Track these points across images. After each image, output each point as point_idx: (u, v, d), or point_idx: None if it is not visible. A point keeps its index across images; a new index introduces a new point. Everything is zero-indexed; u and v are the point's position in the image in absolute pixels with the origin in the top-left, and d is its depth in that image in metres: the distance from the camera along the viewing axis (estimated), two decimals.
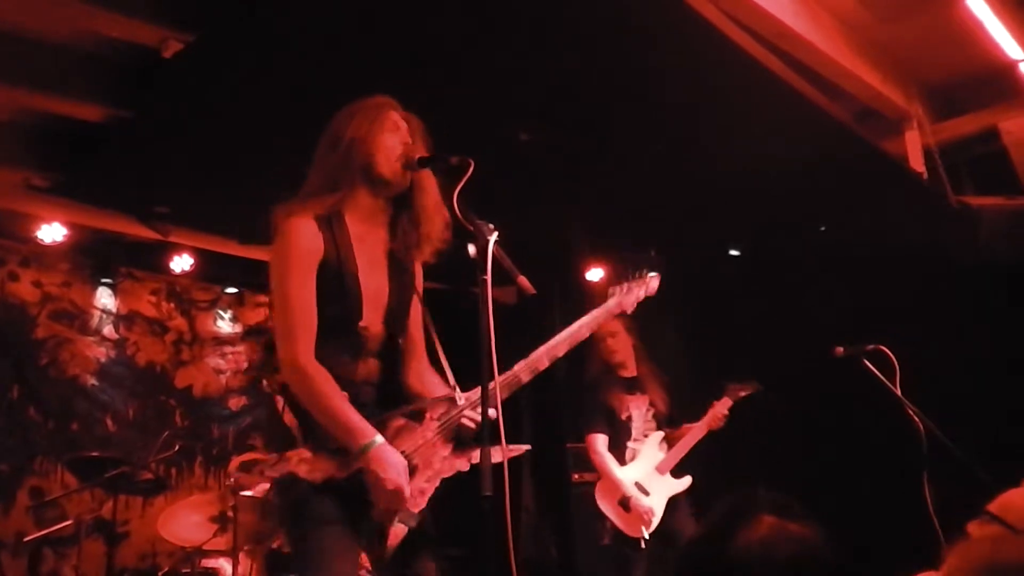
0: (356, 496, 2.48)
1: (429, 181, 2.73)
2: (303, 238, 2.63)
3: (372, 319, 2.65)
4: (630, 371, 4.96)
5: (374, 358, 2.67)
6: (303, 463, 2.45)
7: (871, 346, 4.11)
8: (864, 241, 5.81)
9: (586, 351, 5.28)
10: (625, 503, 4.61)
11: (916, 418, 3.93)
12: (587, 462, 6.19)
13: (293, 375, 2.48)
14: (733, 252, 6.70)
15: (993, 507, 2.35)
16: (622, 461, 4.77)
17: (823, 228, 6.20)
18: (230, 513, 4.73)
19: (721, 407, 4.84)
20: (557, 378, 7.35)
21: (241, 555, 4.80)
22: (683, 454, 4.81)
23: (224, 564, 4.92)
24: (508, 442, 2.30)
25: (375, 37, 3.80)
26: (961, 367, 5.08)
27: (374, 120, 2.72)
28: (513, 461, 2.34)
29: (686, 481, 4.79)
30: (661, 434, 4.88)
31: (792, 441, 5.38)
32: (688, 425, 4.87)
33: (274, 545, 5.10)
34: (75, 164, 5.01)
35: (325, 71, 4.01)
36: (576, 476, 6.13)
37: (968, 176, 5.86)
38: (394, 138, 2.71)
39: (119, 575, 5.04)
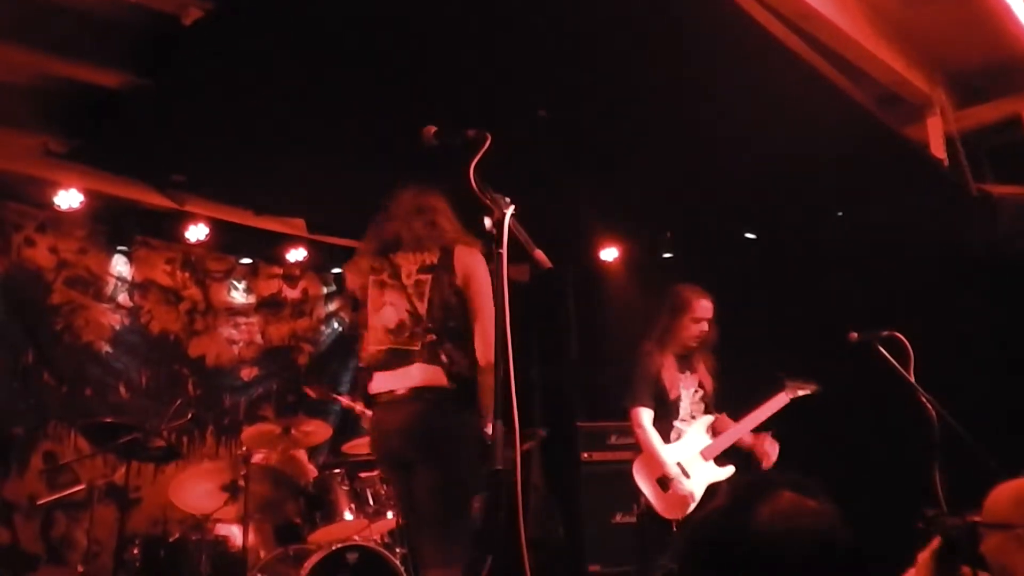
0: None
1: None
2: None
3: None
4: (685, 350, 4.80)
5: None
6: None
7: (886, 332, 4.10)
8: (882, 227, 5.76)
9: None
10: (664, 482, 4.50)
11: (929, 405, 3.92)
12: (597, 441, 6.21)
13: None
14: (749, 236, 6.67)
15: (982, 516, 2.36)
16: (666, 440, 4.62)
17: (840, 213, 6.16)
18: (241, 482, 4.76)
19: (777, 403, 4.72)
20: (568, 357, 7.39)
21: (251, 524, 4.83)
22: (730, 443, 4.68)
23: (234, 532, 4.96)
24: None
25: (399, 7, 3.78)
26: (976, 355, 5.05)
27: None
28: (522, 439, 2.35)
29: (728, 470, 4.63)
30: (711, 418, 4.75)
31: (803, 426, 5.36)
32: (728, 419, 4.78)
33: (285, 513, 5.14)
34: (93, 130, 5.01)
35: (346, 42, 4.00)
36: (585, 455, 6.14)
37: (989, 164, 5.81)
38: None
39: (130, 540, 5.06)
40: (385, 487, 5.17)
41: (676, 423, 4.69)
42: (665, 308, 4.84)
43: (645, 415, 4.64)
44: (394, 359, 3.53)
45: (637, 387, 4.70)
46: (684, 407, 4.71)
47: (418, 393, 3.45)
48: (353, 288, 3.81)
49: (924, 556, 2.27)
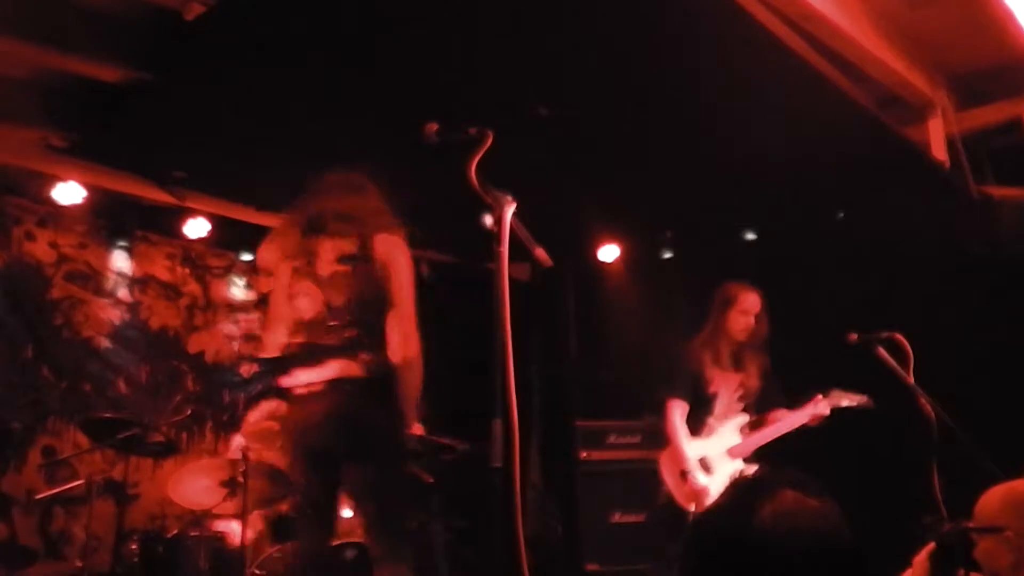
0: None
1: None
2: None
3: None
4: (733, 347, 4.79)
5: None
6: None
7: (886, 333, 4.10)
8: (882, 228, 5.76)
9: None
10: (685, 475, 4.53)
11: (928, 406, 3.91)
12: (596, 440, 6.21)
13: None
14: (749, 236, 6.67)
15: (974, 523, 2.35)
16: (696, 434, 4.65)
17: (840, 213, 6.16)
18: (240, 478, 4.75)
19: (818, 408, 4.67)
20: (568, 356, 7.38)
21: (250, 519, 4.83)
22: (760, 445, 4.67)
23: (233, 528, 4.96)
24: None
25: (400, 6, 3.77)
26: (975, 356, 5.05)
27: None
28: (522, 436, 2.35)
29: (754, 470, 4.58)
30: (744, 419, 4.75)
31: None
32: (774, 415, 4.75)
33: (283, 509, 5.14)
34: (94, 125, 5.01)
35: (346, 40, 3.99)
36: (584, 454, 6.14)
37: (990, 166, 5.81)
38: None
39: (128, 535, 5.06)
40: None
41: (710, 419, 4.71)
42: (713, 305, 4.86)
43: (677, 408, 4.67)
44: (309, 354, 3.40)
45: (675, 379, 4.74)
46: (721, 404, 4.72)
47: (336, 385, 3.34)
48: (265, 266, 3.66)
49: (920, 558, 2.27)
